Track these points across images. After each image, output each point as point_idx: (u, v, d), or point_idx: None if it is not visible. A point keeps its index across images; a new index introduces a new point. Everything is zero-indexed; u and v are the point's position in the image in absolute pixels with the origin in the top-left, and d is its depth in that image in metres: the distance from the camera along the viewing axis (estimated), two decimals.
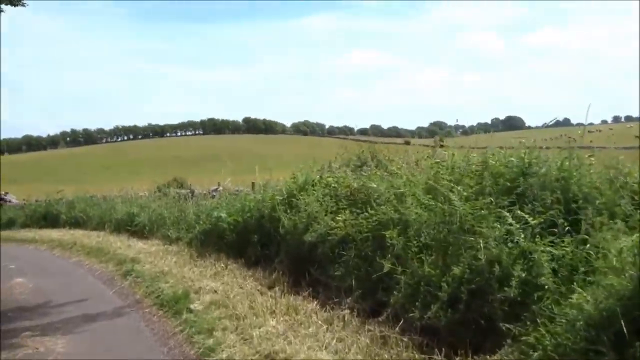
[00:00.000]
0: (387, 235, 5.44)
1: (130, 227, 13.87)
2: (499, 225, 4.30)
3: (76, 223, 17.52)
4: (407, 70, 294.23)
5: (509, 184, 4.96)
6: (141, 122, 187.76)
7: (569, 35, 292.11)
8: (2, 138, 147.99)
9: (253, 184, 14.13)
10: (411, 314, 4.59)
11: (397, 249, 5.32)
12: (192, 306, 6.08)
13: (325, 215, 6.99)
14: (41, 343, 5.61)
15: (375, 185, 6.38)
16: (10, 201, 23.86)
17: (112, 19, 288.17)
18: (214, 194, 12.94)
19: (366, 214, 6.18)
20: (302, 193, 7.73)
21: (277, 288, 6.71)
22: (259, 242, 8.46)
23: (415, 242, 5.14)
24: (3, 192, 24.85)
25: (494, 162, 5.41)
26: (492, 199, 4.65)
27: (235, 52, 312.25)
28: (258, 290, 6.71)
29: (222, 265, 8.26)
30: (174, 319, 5.95)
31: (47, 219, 19.29)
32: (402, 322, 4.73)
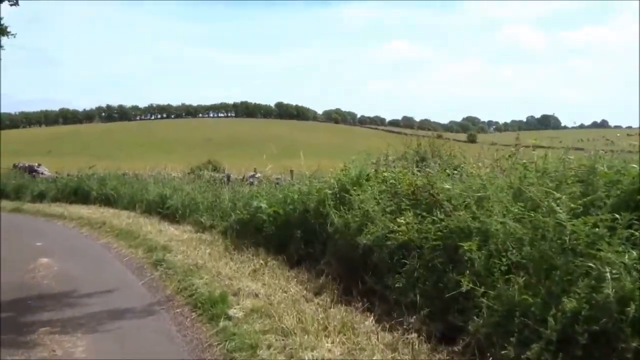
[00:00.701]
0: (466, 247, 4.58)
1: (161, 209, 13.24)
2: (633, 251, 3.39)
3: (106, 200, 17.00)
4: (441, 62, 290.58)
5: (630, 196, 4.04)
6: (175, 102, 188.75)
7: (610, 34, 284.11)
8: (36, 110, 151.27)
9: (292, 171, 13.41)
10: (503, 351, 3.73)
11: (478, 264, 4.47)
12: (230, 312, 5.32)
13: (383, 215, 6.16)
14: (59, 343, 4.95)
15: (449, 186, 5.50)
16: (42, 173, 23.57)
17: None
18: (251, 180, 12.21)
19: (434, 218, 5.34)
20: (355, 188, 6.90)
21: (325, 295, 5.93)
22: (302, 238, 7.68)
23: (504, 259, 4.26)
24: (36, 164, 24.60)
25: (603, 168, 4.49)
26: (615, 215, 3.73)
27: (271, 38, 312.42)
28: (304, 296, 5.93)
29: (261, 261, 7.51)
30: (210, 325, 5.20)
31: (78, 194, 18.83)
32: (490, 358, 3.88)
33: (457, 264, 4.83)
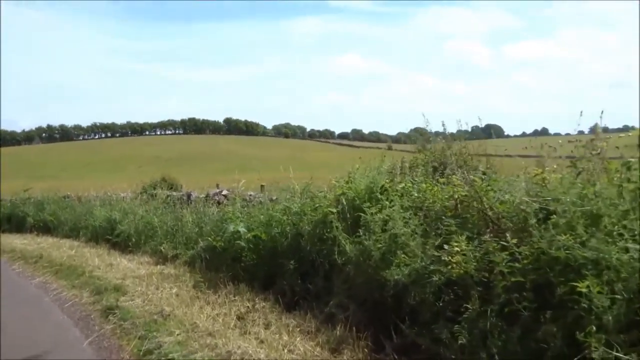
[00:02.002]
0: (582, 288, 3.08)
1: (110, 236, 11.31)
2: None
3: (45, 228, 14.88)
4: (392, 76, 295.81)
5: None
6: (119, 120, 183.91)
7: (551, 47, 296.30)
8: None
9: (262, 186, 11.75)
10: None
11: (611, 315, 2.97)
12: None
13: (414, 240, 4.63)
14: None
15: (528, 199, 3.98)
16: None
17: (99, 15, 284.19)
18: (217, 198, 10.48)
19: (504, 244, 3.83)
20: (367, 204, 5.32)
21: (347, 354, 4.32)
22: (297, 271, 6.06)
23: None
24: None
25: None
26: None
27: (220, 53, 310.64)
28: (319, 357, 4.30)
29: (247, 304, 5.82)
30: None
31: (12, 221, 16.57)
32: None
33: (556, 310, 3.34)
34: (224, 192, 10.78)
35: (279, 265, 6.38)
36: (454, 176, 4.89)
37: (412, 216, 4.83)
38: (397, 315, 4.45)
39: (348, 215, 5.44)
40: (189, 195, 11.79)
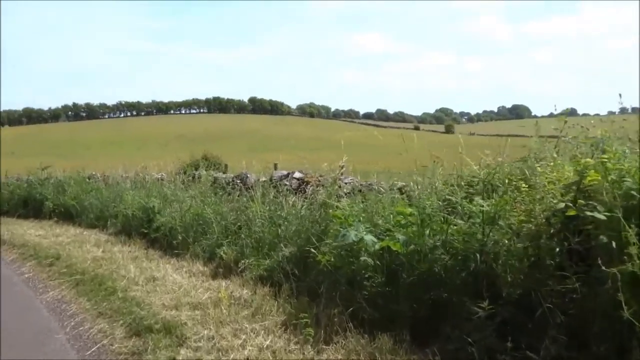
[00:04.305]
0: None
1: (146, 229, 8.77)
2: None
3: (66, 214, 12.42)
4: (412, 54, 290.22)
5: None
6: (144, 99, 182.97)
7: (575, 24, 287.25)
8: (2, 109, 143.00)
9: (342, 167, 9.03)
10: None
11: None
12: None
13: None
14: None
15: None
16: None
17: None
18: (289, 183, 7.79)
19: None
20: None
21: None
22: (492, 320, 3.37)
23: None
24: None
25: None
26: None
27: (242, 32, 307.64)
28: None
29: None
30: None
31: (29, 205, 14.18)
32: None
33: None
34: (297, 175, 8.08)
35: (442, 303, 3.74)
36: None
37: None
38: None
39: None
40: (244, 179, 9.10)
